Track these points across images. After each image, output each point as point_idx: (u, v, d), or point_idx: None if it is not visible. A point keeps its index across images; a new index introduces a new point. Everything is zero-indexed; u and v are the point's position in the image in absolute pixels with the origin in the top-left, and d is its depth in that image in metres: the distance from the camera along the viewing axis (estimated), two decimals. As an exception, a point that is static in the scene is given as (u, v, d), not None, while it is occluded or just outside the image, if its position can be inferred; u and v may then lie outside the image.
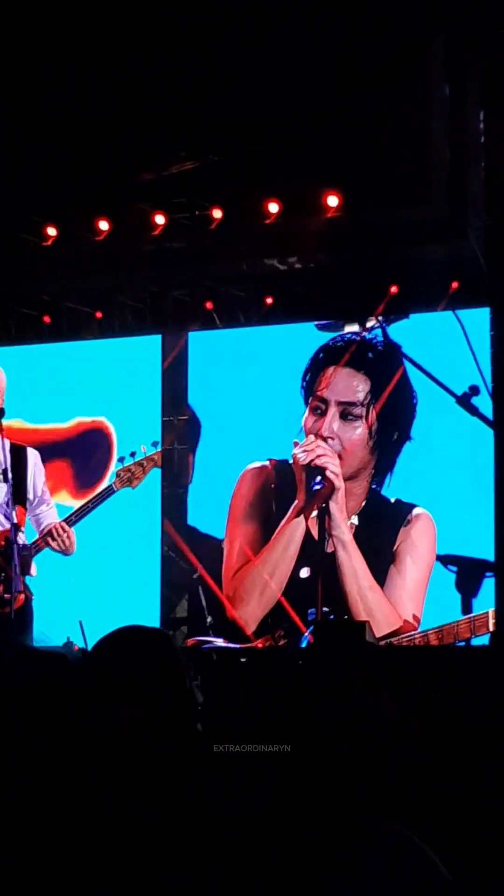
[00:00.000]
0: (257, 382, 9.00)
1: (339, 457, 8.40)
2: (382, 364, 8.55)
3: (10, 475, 7.76)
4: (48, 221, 9.19)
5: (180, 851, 2.19)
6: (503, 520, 8.19)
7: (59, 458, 9.09)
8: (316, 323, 8.87)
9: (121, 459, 8.45)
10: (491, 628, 8.00)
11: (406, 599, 8.29)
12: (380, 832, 1.94)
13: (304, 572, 8.26)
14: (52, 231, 9.21)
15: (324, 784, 2.65)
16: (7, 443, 7.89)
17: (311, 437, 8.36)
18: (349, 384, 8.50)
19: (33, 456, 7.97)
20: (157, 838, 2.25)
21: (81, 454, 9.17)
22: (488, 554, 8.18)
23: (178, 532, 9.04)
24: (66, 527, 7.92)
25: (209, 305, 9.27)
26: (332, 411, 8.46)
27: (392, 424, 8.47)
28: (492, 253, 8.51)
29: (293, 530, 8.52)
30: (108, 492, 8.31)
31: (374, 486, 8.51)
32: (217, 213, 8.92)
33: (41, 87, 8.66)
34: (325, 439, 8.40)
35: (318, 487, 8.03)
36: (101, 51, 8.40)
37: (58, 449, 9.14)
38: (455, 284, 8.60)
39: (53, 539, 7.85)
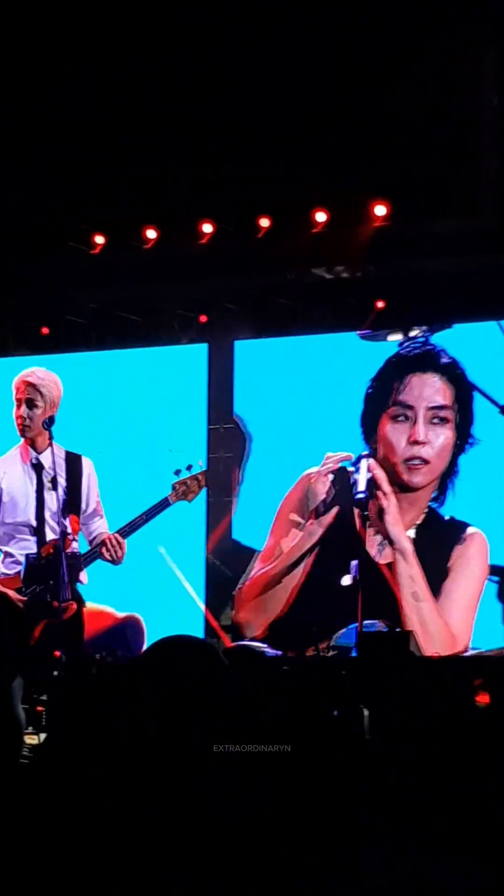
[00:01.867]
0: (303, 392, 9.00)
1: (427, 461, 8.38)
2: (457, 369, 8.53)
3: (61, 483, 7.78)
4: (96, 230, 9.23)
5: (180, 850, 2.20)
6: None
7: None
8: (358, 332, 8.85)
9: (176, 472, 8.46)
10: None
11: (457, 619, 8.22)
12: (380, 832, 1.94)
13: (346, 580, 8.17)
14: (100, 239, 9.25)
15: (339, 788, 2.65)
16: (62, 451, 7.92)
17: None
18: (437, 388, 8.47)
19: (88, 466, 7.99)
20: (157, 837, 2.25)
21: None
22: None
23: (222, 541, 9.05)
24: (120, 538, 7.92)
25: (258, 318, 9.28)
26: (422, 416, 8.42)
27: (467, 430, 8.46)
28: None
29: (308, 539, 8.54)
30: (164, 504, 8.31)
31: (433, 504, 8.47)
32: (265, 223, 8.92)
33: (81, 97, 8.73)
34: (420, 444, 8.36)
35: (360, 497, 7.94)
36: (157, 60, 8.45)
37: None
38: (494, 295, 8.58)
39: (107, 549, 7.86)
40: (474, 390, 8.44)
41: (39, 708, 6.18)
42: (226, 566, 9.04)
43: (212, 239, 9.02)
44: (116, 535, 7.93)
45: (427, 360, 8.54)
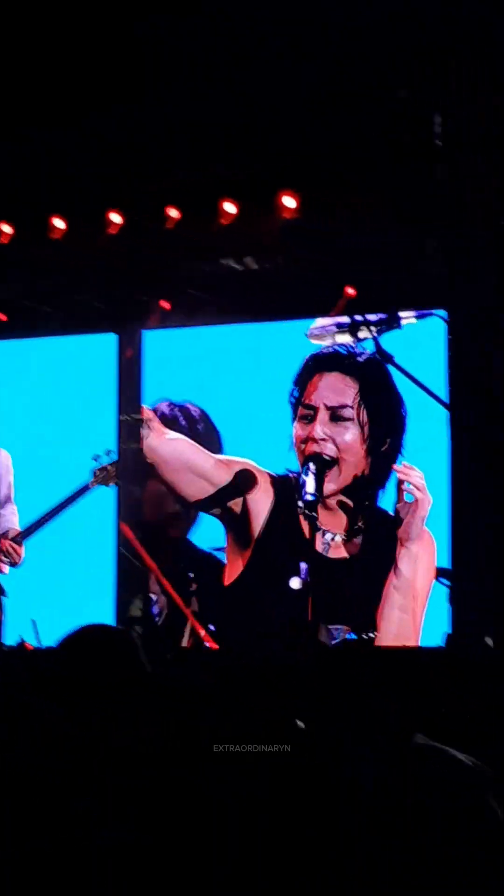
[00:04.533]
0: (214, 382, 9.02)
1: (336, 461, 8.16)
2: (371, 368, 8.36)
3: None
4: (3, 219, 9.16)
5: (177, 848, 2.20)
6: (457, 534, 8.19)
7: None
8: (307, 333, 8.72)
9: (95, 458, 8.39)
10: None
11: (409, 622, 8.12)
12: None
13: (296, 583, 7.89)
14: (7, 229, 9.18)
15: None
16: None
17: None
18: (337, 387, 8.27)
19: (5, 458, 7.92)
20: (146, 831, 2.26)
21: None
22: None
23: (133, 532, 9.03)
24: (15, 545, 7.83)
25: (165, 304, 9.28)
26: (322, 415, 8.21)
27: (383, 432, 8.26)
28: (449, 255, 8.54)
29: None
30: (83, 490, 8.24)
31: (366, 502, 8.34)
32: (174, 213, 8.91)
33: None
34: (316, 441, 8.16)
35: (311, 499, 7.79)
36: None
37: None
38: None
39: (3, 555, 7.79)
40: (424, 391, 8.35)
41: None
42: (137, 559, 9.01)
43: (122, 229, 8.99)
44: (11, 542, 7.84)
45: (335, 359, 8.38)
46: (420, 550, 8.02)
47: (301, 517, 8.10)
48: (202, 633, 8.18)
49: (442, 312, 8.57)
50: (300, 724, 3.45)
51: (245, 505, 8.37)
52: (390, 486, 8.17)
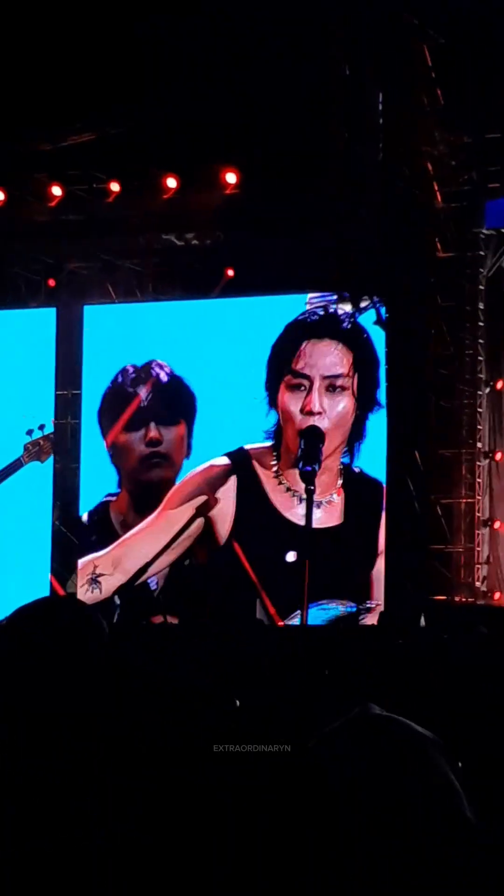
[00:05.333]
0: (154, 357, 8.97)
1: (328, 431, 8.21)
2: (359, 334, 8.37)
3: None
4: None
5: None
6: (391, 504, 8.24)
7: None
8: (308, 301, 8.57)
9: (28, 432, 8.33)
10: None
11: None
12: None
13: (291, 556, 8.04)
14: None
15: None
16: None
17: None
18: (332, 357, 8.30)
19: None
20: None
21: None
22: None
23: (69, 507, 9.00)
24: None
25: (107, 283, 9.21)
26: (318, 385, 8.24)
27: (370, 395, 8.33)
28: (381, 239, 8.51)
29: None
30: (16, 465, 8.20)
31: (345, 461, 8.36)
32: (115, 187, 8.86)
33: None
34: (313, 415, 8.20)
35: (308, 469, 7.86)
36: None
37: None
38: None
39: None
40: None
41: None
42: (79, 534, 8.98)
43: (62, 202, 8.92)
44: None
45: (325, 325, 8.39)
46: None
47: (272, 493, 8.22)
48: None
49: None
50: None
51: (208, 520, 8.49)
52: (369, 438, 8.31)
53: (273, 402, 8.41)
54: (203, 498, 8.47)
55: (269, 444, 8.44)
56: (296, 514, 8.22)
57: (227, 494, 8.46)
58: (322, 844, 2.16)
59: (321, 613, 8.09)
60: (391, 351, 8.31)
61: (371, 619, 8.04)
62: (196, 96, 8.41)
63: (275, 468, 8.40)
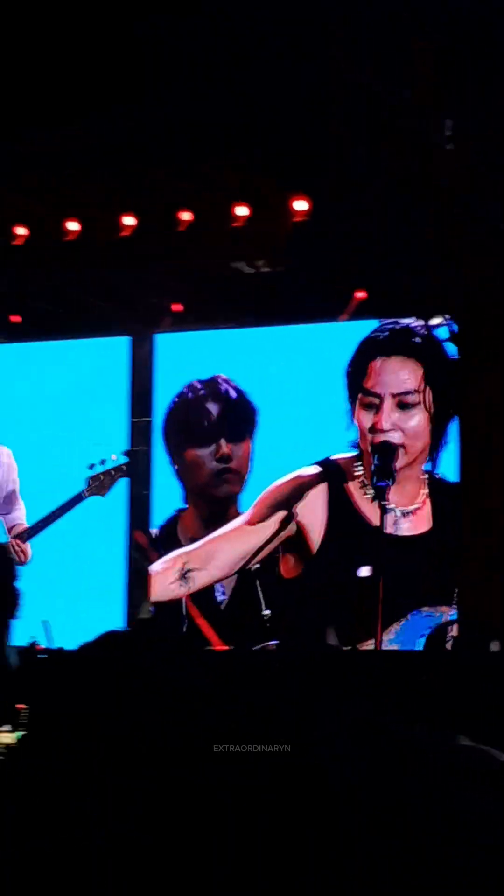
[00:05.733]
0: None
1: (402, 446, 8.29)
2: (430, 346, 8.40)
3: None
4: (17, 221, 9.18)
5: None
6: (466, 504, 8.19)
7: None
8: (381, 320, 8.62)
9: (90, 467, 8.42)
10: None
11: None
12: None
13: (364, 571, 8.10)
14: (21, 231, 9.20)
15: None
16: None
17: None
18: (400, 374, 8.36)
19: (6, 455, 7.96)
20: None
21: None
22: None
23: (145, 534, 9.06)
24: (21, 543, 7.90)
25: (177, 307, 9.29)
26: (388, 403, 8.32)
27: (445, 408, 8.36)
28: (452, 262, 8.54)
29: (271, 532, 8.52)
30: (78, 499, 8.30)
31: (427, 468, 8.41)
32: (185, 216, 8.93)
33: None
34: (383, 432, 8.28)
35: (383, 485, 7.97)
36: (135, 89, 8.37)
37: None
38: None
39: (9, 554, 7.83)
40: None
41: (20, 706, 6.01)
42: (148, 562, 9.04)
43: (135, 231, 9.01)
44: (17, 540, 7.89)
45: (393, 342, 8.44)
46: None
47: (359, 502, 8.29)
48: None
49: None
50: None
51: (299, 527, 8.52)
52: (450, 445, 8.31)
53: (352, 417, 8.50)
54: (286, 511, 8.49)
55: (355, 453, 8.49)
56: (387, 523, 8.25)
57: (318, 504, 8.49)
58: (322, 844, 2.18)
59: (424, 620, 8.13)
60: (465, 365, 8.30)
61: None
62: (258, 123, 8.46)
63: (361, 478, 8.44)
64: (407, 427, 8.30)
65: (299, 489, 8.51)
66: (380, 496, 7.99)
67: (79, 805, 2.36)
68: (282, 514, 8.50)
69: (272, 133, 8.38)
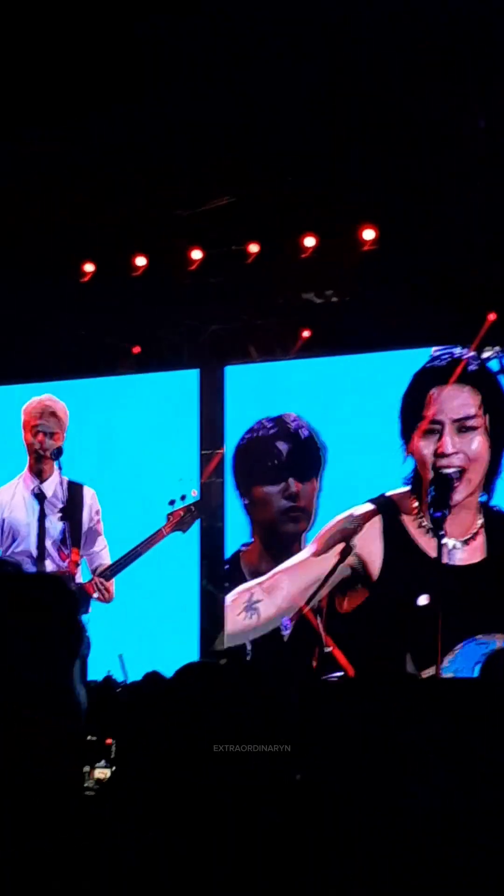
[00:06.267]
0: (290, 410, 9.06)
1: (464, 470, 8.38)
2: (485, 376, 8.50)
3: (62, 513, 7.79)
4: (86, 258, 9.25)
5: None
6: None
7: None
8: (434, 350, 8.68)
9: (171, 503, 8.44)
10: None
11: None
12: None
13: (423, 599, 8.15)
14: (89, 267, 9.27)
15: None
16: (65, 480, 7.94)
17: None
18: (458, 399, 8.47)
19: (90, 496, 8.00)
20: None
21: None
22: None
23: (216, 566, 9.06)
24: (104, 581, 7.93)
25: (248, 343, 9.32)
26: (449, 428, 8.42)
27: (502, 432, 8.46)
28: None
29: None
30: (158, 536, 8.32)
31: (482, 499, 8.46)
32: (254, 248, 8.96)
33: (74, 125, 8.70)
34: (447, 456, 8.37)
35: (438, 515, 8.02)
36: (134, 90, 8.41)
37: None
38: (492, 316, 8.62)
39: (93, 589, 7.88)
40: None
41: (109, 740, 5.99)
42: (221, 592, 9.05)
43: (202, 265, 9.05)
44: (100, 578, 7.92)
45: (450, 371, 8.54)
46: None
47: (415, 533, 8.35)
48: (332, 648, 8.32)
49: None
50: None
51: (360, 559, 8.56)
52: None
53: (408, 449, 8.54)
54: (344, 543, 8.54)
55: (408, 488, 8.53)
56: (444, 554, 8.28)
57: (374, 536, 8.56)
58: (321, 844, 2.16)
59: (479, 648, 8.13)
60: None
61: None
62: (258, 123, 8.45)
63: (417, 511, 8.48)
64: (469, 450, 8.37)
65: (356, 522, 8.57)
66: (437, 526, 8.02)
67: (77, 804, 2.36)
68: (341, 545, 8.54)
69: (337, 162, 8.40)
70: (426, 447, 8.43)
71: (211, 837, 2.34)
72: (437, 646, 7.92)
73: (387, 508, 8.58)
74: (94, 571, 8.01)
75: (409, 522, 8.53)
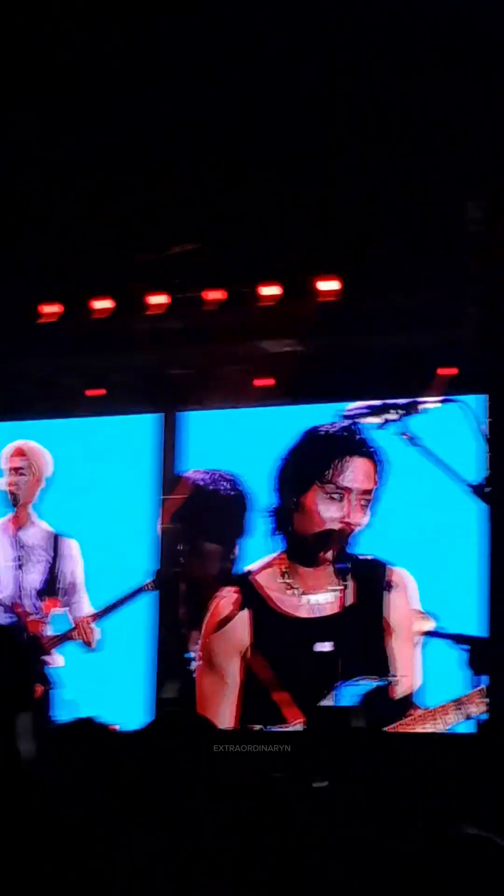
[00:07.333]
0: (254, 463, 9.08)
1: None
2: (378, 454, 8.90)
3: (43, 561, 7.76)
4: (47, 300, 9.24)
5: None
6: (499, 604, 8.28)
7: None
8: (343, 413, 8.97)
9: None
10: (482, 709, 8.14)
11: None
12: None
13: (326, 646, 8.44)
14: (50, 309, 9.26)
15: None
16: (50, 531, 7.90)
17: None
18: (367, 473, 8.87)
19: (72, 547, 7.98)
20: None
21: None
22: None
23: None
24: (91, 622, 7.91)
25: (205, 386, 9.35)
26: (354, 500, 8.81)
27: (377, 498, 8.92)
28: (486, 339, 8.63)
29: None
30: (142, 590, 8.32)
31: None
32: (216, 295, 9.00)
33: (40, 168, 8.72)
34: (350, 525, 8.77)
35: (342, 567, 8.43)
36: (102, 128, 8.44)
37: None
38: (452, 371, 8.73)
39: (79, 633, 7.85)
40: (444, 469, 8.58)
41: None
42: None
43: (164, 311, 9.07)
44: (88, 619, 7.90)
45: (361, 444, 8.92)
46: (403, 593, 8.69)
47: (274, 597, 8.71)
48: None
49: (478, 397, 8.67)
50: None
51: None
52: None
53: (287, 504, 8.90)
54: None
55: (275, 554, 8.92)
56: (303, 609, 8.77)
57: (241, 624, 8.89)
58: (321, 846, 2.18)
59: (356, 689, 8.50)
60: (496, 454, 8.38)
61: (401, 690, 8.48)
62: (296, 204, 8.54)
63: (284, 572, 8.87)
64: (357, 518, 8.83)
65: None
66: (342, 576, 8.49)
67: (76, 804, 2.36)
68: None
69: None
70: (326, 509, 8.77)
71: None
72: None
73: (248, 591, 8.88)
74: (75, 620, 7.97)
75: (271, 590, 8.85)
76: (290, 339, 9.16)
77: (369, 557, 8.79)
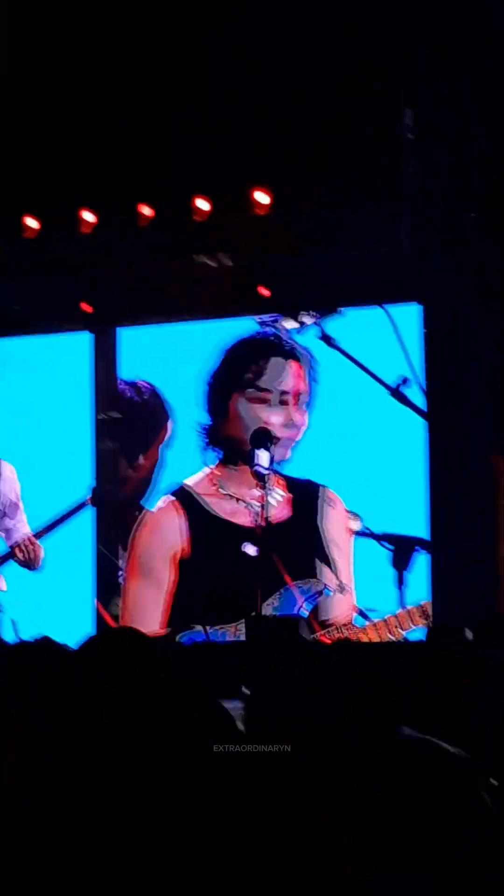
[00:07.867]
0: (190, 380, 9.05)
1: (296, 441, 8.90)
2: (311, 353, 8.95)
3: None
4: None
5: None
6: (435, 505, 8.27)
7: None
8: (256, 319, 8.95)
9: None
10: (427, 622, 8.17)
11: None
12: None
13: (251, 550, 8.41)
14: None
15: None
16: None
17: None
18: (289, 372, 8.91)
19: (9, 470, 7.92)
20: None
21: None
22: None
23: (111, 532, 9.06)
24: (34, 540, 7.87)
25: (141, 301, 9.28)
26: (278, 401, 8.83)
27: (312, 404, 8.98)
28: (420, 250, 8.57)
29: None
30: (81, 506, 8.28)
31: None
32: (147, 211, 8.89)
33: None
34: (274, 426, 8.75)
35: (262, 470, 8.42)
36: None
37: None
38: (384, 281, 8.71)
39: (21, 551, 7.81)
40: (366, 372, 8.65)
41: None
42: (114, 555, 9.05)
43: (95, 228, 8.95)
44: (31, 536, 7.86)
45: (276, 344, 8.94)
46: (337, 509, 8.86)
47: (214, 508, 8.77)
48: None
49: (409, 306, 8.67)
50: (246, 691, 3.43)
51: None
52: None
53: (218, 413, 8.90)
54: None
55: (211, 466, 8.91)
56: (240, 515, 8.76)
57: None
58: (323, 844, 2.17)
59: (301, 595, 8.60)
60: (431, 355, 8.33)
61: (345, 600, 8.66)
62: (230, 116, 8.44)
63: (219, 482, 8.90)
64: (290, 421, 8.85)
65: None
66: (261, 479, 8.42)
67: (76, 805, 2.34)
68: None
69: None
70: (255, 413, 8.78)
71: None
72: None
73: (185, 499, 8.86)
74: (13, 542, 7.94)
75: (212, 501, 8.87)
76: (223, 252, 9.08)
77: (304, 480, 8.88)
